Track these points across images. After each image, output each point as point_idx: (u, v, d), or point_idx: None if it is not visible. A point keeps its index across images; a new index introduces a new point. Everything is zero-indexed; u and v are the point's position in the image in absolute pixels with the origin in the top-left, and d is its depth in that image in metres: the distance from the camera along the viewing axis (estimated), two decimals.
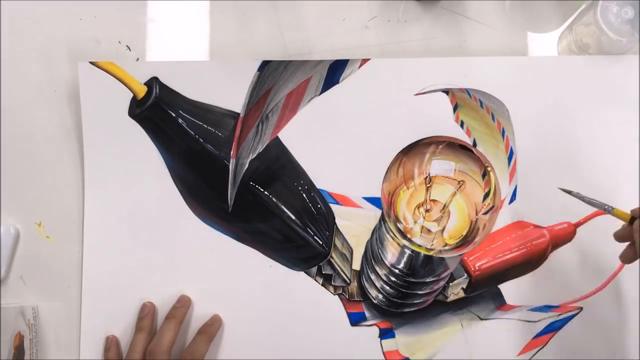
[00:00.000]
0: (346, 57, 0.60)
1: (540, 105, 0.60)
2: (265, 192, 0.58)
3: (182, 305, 0.57)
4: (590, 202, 0.55)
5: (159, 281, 0.59)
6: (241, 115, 0.59)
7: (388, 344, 0.58)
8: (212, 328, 0.57)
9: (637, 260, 0.58)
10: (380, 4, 0.62)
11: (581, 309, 0.58)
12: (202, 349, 0.55)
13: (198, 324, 0.58)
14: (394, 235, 0.57)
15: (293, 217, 0.59)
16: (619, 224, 0.58)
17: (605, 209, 0.54)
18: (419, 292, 0.58)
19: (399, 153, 0.59)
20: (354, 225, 0.59)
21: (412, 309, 0.59)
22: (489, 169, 0.58)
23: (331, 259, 0.59)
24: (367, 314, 0.59)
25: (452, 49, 0.62)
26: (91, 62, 0.59)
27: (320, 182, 0.59)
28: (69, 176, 0.60)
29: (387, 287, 0.58)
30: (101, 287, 0.59)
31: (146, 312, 0.57)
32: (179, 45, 0.62)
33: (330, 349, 0.58)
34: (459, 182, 0.57)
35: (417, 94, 0.60)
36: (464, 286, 0.59)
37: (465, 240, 0.58)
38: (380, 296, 0.59)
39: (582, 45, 0.61)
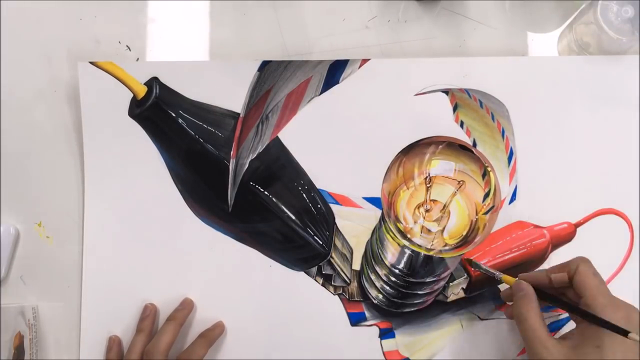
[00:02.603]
0: (346, 57, 0.60)
1: (540, 105, 0.60)
2: (265, 192, 0.58)
3: (184, 308, 0.57)
4: (486, 271, 0.55)
5: (159, 281, 0.59)
6: (241, 115, 0.59)
7: (388, 344, 0.58)
8: (212, 333, 0.57)
9: (638, 261, 0.58)
10: (380, 4, 0.62)
11: None
12: (199, 352, 0.55)
13: (198, 324, 0.58)
14: (394, 235, 0.57)
15: (293, 217, 0.59)
16: (620, 224, 0.58)
17: (495, 277, 0.54)
18: (419, 292, 0.58)
19: (399, 153, 0.59)
20: (354, 225, 0.59)
21: (412, 309, 0.59)
22: (488, 169, 0.58)
23: (331, 259, 0.59)
24: (367, 314, 0.59)
25: (452, 49, 0.62)
26: (91, 62, 0.59)
27: (320, 182, 0.59)
28: (69, 176, 0.60)
29: (387, 287, 0.58)
30: (101, 287, 0.59)
31: (147, 314, 0.57)
32: (179, 45, 0.62)
33: (330, 349, 0.58)
34: (459, 182, 0.57)
35: (417, 94, 0.60)
36: (464, 286, 0.59)
37: (466, 240, 0.58)
38: (380, 296, 0.59)
39: (582, 45, 0.61)
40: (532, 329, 0.47)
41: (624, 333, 0.42)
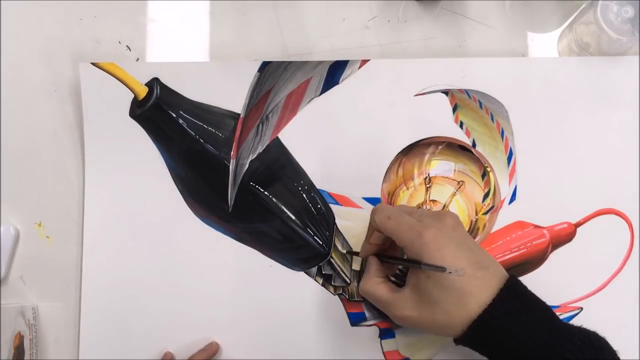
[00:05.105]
0: (346, 57, 0.60)
1: (540, 106, 0.60)
2: (266, 193, 0.59)
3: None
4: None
5: (159, 281, 0.59)
6: (241, 115, 0.59)
7: (388, 344, 0.58)
8: (211, 348, 0.57)
9: (638, 261, 0.58)
10: (380, 4, 0.62)
11: (581, 309, 0.58)
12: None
13: (197, 323, 0.58)
14: None
15: (293, 218, 0.59)
16: (620, 224, 0.58)
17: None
18: None
19: (398, 153, 0.59)
20: (354, 226, 0.59)
21: None
22: (488, 169, 0.59)
23: (331, 259, 0.59)
24: (367, 314, 0.59)
25: (452, 49, 0.62)
26: (92, 63, 0.59)
27: (320, 182, 0.59)
28: (70, 176, 0.60)
29: None
30: (101, 287, 0.59)
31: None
32: (179, 45, 0.62)
33: (330, 349, 0.58)
34: (458, 182, 0.57)
35: (416, 95, 0.60)
36: None
37: None
38: None
39: (583, 45, 0.61)
40: (376, 298, 0.50)
41: (442, 270, 0.44)
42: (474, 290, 0.45)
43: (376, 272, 0.51)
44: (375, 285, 0.50)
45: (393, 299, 0.48)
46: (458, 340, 0.46)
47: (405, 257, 0.50)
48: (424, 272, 0.46)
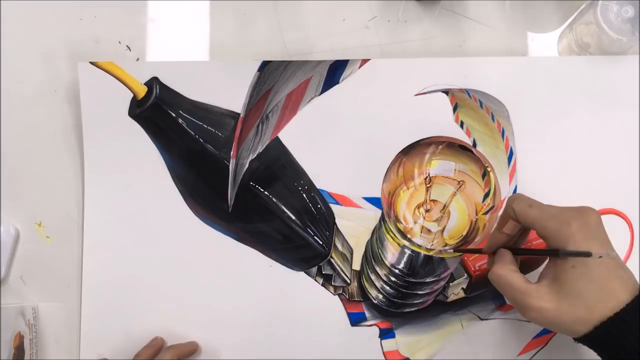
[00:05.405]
0: (346, 57, 0.60)
1: (540, 105, 0.60)
2: (266, 192, 0.59)
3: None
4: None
5: (159, 281, 0.59)
6: (241, 115, 0.59)
7: (388, 344, 0.58)
8: (184, 347, 0.57)
9: (638, 261, 0.58)
10: (380, 4, 0.62)
11: None
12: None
13: (197, 323, 0.58)
14: (394, 235, 0.57)
15: (293, 217, 0.59)
16: (620, 224, 0.58)
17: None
18: (419, 292, 0.58)
19: (399, 153, 0.59)
20: (354, 225, 0.59)
21: (413, 309, 0.59)
22: (488, 169, 0.58)
23: (331, 259, 0.59)
24: (367, 314, 0.59)
25: (452, 49, 0.62)
26: (91, 62, 0.59)
27: (320, 182, 0.59)
28: (69, 176, 0.60)
29: (387, 287, 0.58)
30: (101, 287, 0.59)
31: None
32: (179, 45, 0.62)
33: (330, 349, 0.58)
34: (459, 182, 0.57)
35: (417, 94, 0.60)
36: (464, 286, 0.59)
37: (465, 241, 0.58)
38: (381, 296, 0.59)
39: (583, 45, 0.61)
40: (510, 285, 0.47)
41: (587, 255, 0.43)
42: (616, 287, 0.44)
43: (511, 260, 0.49)
44: (511, 273, 0.47)
45: (530, 289, 0.46)
46: (583, 339, 0.44)
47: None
48: (569, 262, 0.44)
